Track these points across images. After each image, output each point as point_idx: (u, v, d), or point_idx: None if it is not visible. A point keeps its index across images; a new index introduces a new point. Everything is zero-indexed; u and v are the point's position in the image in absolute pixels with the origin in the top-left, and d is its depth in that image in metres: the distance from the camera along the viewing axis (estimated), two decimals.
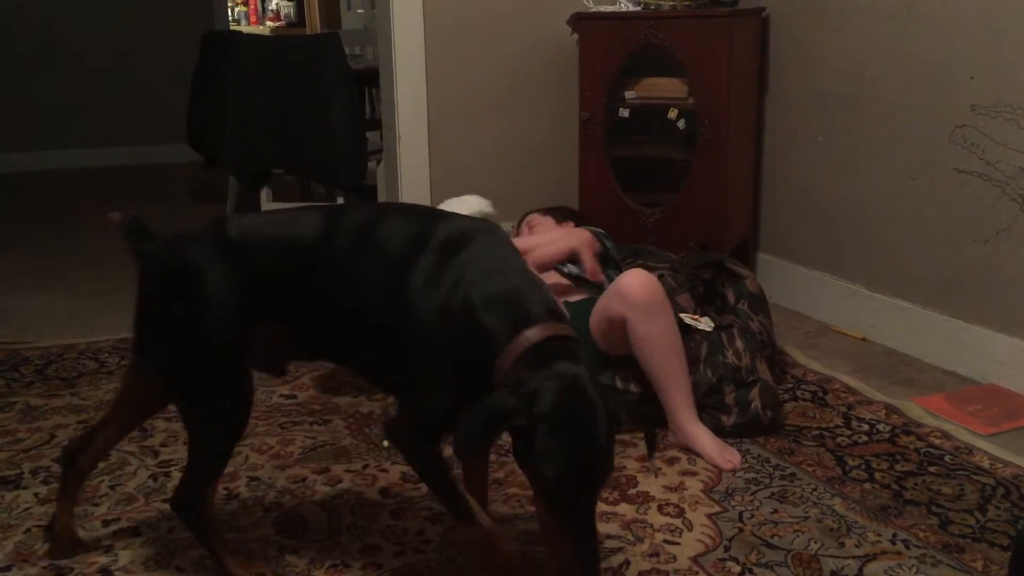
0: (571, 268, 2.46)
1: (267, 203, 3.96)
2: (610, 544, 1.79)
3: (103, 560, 1.75)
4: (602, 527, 1.84)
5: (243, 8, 8.09)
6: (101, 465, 2.11)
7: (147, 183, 5.81)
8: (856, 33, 2.88)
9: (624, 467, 2.08)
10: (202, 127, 4.43)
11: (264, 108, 3.80)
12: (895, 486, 2.00)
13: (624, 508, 1.92)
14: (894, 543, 1.78)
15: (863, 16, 2.84)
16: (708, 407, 2.22)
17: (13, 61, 6.00)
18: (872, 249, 2.90)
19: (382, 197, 4.05)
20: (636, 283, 2.13)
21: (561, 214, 2.81)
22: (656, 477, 2.04)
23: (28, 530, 1.85)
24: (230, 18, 7.08)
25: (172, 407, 1.75)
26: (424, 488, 1.98)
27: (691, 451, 2.14)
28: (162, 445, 2.22)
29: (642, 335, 2.13)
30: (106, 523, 1.88)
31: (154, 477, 2.07)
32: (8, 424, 2.35)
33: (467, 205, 2.53)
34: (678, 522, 1.86)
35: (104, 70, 6.14)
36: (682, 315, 2.39)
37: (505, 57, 3.44)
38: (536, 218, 2.79)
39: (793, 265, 3.23)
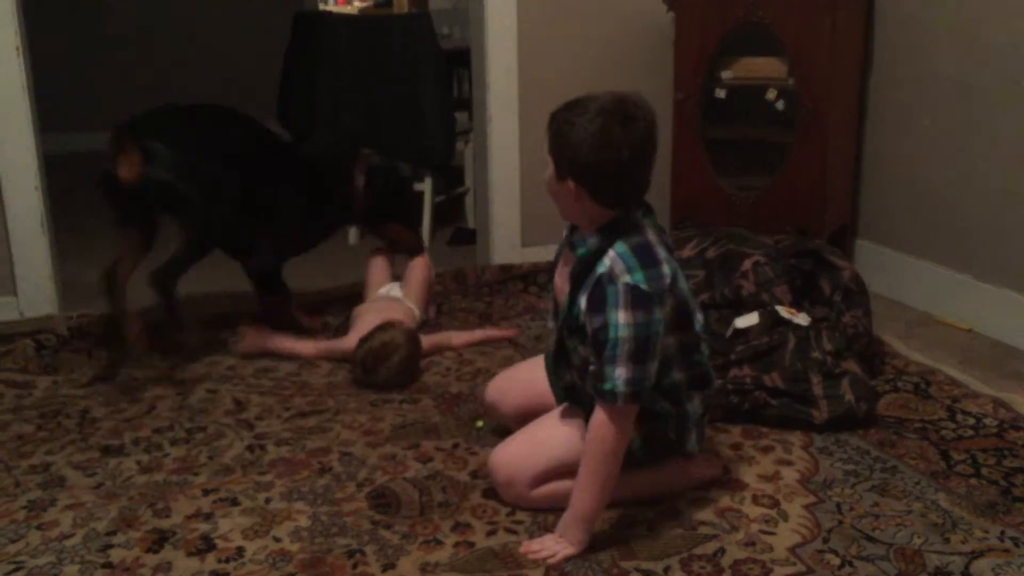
0: None
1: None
2: (704, 531, 1.76)
3: (204, 527, 1.79)
4: (696, 514, 1.81)
5: None
6: (199, 436, 2.17)
7: None
8: (969, 11, 2.76)
9: (717, 454, 2.05)
10: (293, 106, 4.51)
11: (354, 87, 3.84)
12: (1003, 482, 1.92)
13: (718, 495, 1.88)
14: (1002, 540, 1.72)
15: None
16: (794, 398, 2.16)
17: (111, 41, 6.18)
18: (981, 237, 2.79)
19: (470, 177, 4.06)
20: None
21: None
22: (750, 466, 2.00)
23: (131, 496, 1.91)
24: None
25: None
26: None
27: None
28: (257, 418, 2.26)
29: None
30: (206, 492, 1.92)
31: (250, 449, 2.11)
32: (110, 394, 2.42)
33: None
34: (773, 512, 1.82)
35: (198, 51, 6.28)
36: (778, 307, 2.34)
37: (598, 36, 3.40)
38: None
39: (895, 252, 3.13)
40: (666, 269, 1.69)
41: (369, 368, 2.41)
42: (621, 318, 1.63)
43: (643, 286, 1.64)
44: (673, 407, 1.80)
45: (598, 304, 1.66)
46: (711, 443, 2.09)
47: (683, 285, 1.76)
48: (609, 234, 1.69)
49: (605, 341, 1.64)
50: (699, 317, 1.81)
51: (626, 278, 1.64)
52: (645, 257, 1.67)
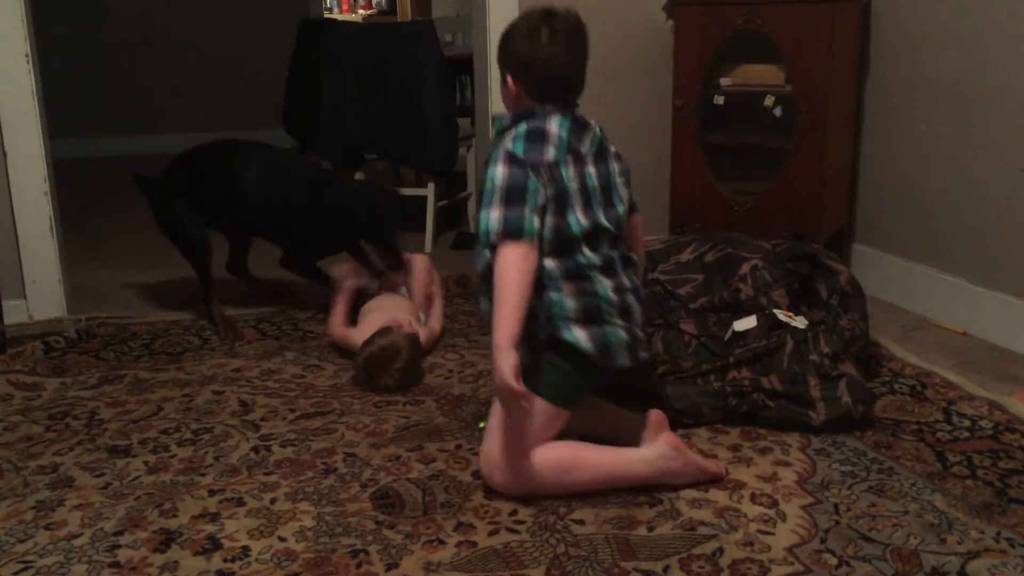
0: None
1: None
2: (703, 531, 1.78)
3: (210, 528, 1.82)
4: (694, 514, 1.84)
5: None
6: (205, 437, 2.20)
7: None
8: (964, 17, 2.79)
9: (715, 455, 2.07)
10: (298, 113, 4.55)
11: (358, 94, 3.87)
12: (999, 483, 1.94)
13: (716, 495, 1.91)
14: (998, 541, 1.74)
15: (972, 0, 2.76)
16: (792, 400, 2.19)
17: (118, 48, 6.22)
18: (976, 241, 2.82)
19: (472, 182, 4.09)
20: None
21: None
22: (748, 467, 2.03)
23: (138, 497, 1.94)
24: (324, 6, 7.20)
25: None
26: None
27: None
28: (262, 420, 2.29)
29: None
30: (211, 492, 1.95)
31: (256, 450, 2.14)
32: (118, 396, 2.45)
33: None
34: (772, 512, 1.85)
35: (203, 57, 6.32)
36: (776, 311, 2.37)
37: (599, 44, 3.37)
38: None
39: (891, 256, 3.16)
40: (550, 150, 1.90)
41: (372, 374, 2.44)
42: (498, 171, 1.87)
43: (520, 154, 1.88)
44: (535, 292, 1.87)
45: (486, 164, 1.92)
46: (710, 445, 2.12)
47: (567, 181, 1.90)
48: (519, 118, 1.95)
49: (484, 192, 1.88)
50: (581, 219, 1.90)
51: (508, 145, 1.90)
52: (534, 136, 1.91)
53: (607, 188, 1.98)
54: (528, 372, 1.84)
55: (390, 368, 2.43)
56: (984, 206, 2.78)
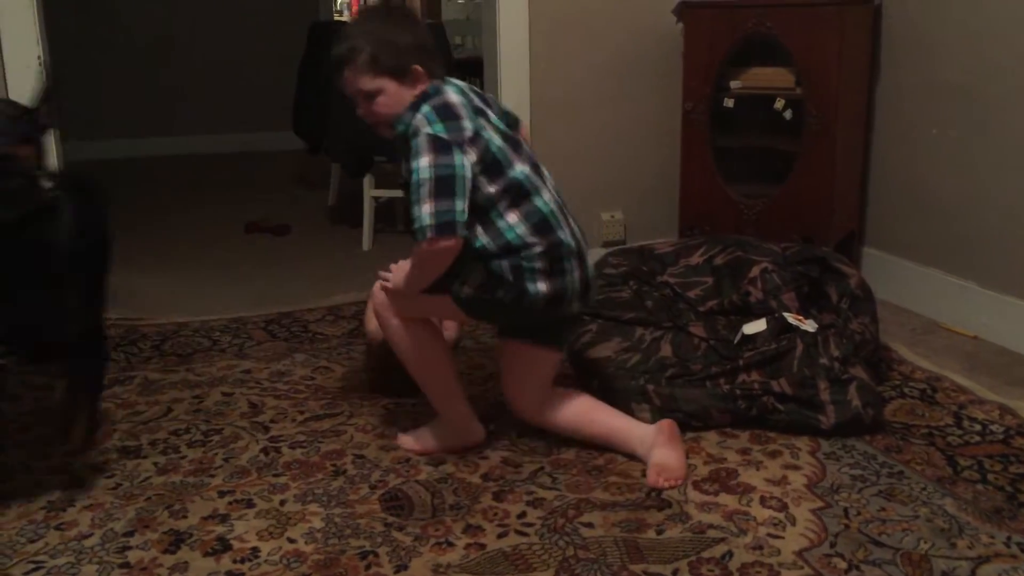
0: None
1: (369, 190, 4.03)
2: (712, 534, 1.78)
3: (220, 529, 1.83)
4: (703, 517, 1.84)
5: None
6: (215, 438, 2.21)
7: (254, 169, 5.98)
8: (976, 22, 2.78)
9: (725, 459, 2.07)
10: (307, 115, 4.56)
11: None
12: (1009, 488, 1.94)
13: (725, 499, 1.91)
14: (1009, 546, 1.73)
15: (983, 3, 2.75)
16: (801, 403, 2.18)
17: (129, 52, 6.24)
18: (986, 244, 2.81)
19: None
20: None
21: None
22: (758, 470, 2.02)
23: (148, 498, 1.94)
24: (334, 9, 7.22)
25: None
26: (526, 472, 2.02)
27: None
28: (272, 421, 2.30)
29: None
30: (221, 494, 1.95)
31: (265, 451, 2.14)
32: (128, 397, 2.46)
33: None
34: (781, 516, 1.84)
35: (214, 60, 6.35)
36: (786, 314, 2.37)
37: (609, 47, 3.43)
38: None
39: (901, 259, 3.15)
40: (467, 124, 1.90)
41: (380, 373, 2.44)
42: (423, 162, 1.84)
43: (443, 135, 1.86)
44: (502, 250, 1.92)
45: (408, 157, 1.88)
46: (719, 448, 2.12)
47: (494, 141, 1.93)
48: (418, 103, 1.92)
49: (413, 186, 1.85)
50: (520, 168, 1.95)
51: (427, 129, 1.86)
52: (445, 113, 1.90)
53: (511, 124, 2.05)
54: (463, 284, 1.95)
55: (395, 370, 2.43)
56: (995, 210, 2.77)
